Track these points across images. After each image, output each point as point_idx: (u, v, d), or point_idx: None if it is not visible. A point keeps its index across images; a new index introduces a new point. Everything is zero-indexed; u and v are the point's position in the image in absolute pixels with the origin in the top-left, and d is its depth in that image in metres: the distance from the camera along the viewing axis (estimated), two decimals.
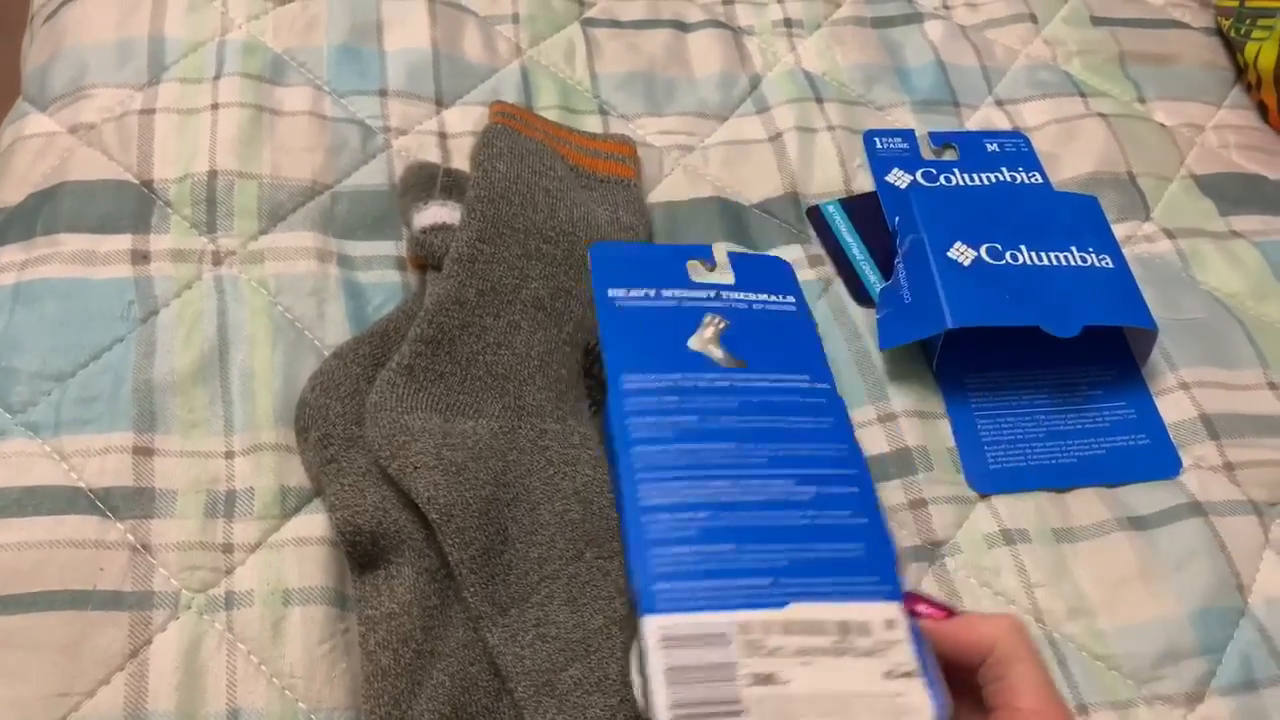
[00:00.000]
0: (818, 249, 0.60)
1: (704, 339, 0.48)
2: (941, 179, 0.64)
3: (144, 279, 0.53)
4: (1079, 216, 0.58)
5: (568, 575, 0.45)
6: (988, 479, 0.52)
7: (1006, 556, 0.50)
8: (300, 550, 0.47)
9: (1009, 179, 0.64)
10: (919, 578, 0.49)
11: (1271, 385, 0.57)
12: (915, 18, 0.73)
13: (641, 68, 0.67)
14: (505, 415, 0.49)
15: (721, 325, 0.49)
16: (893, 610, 0.40)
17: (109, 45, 0.62)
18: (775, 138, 0.65)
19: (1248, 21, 0.72)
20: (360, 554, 0.45)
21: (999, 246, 0.56)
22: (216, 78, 0.61)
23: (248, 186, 0.57)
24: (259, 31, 0.64)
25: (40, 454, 0.48)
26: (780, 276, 0.53)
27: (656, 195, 0.62)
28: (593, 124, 0.64)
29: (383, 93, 0.63)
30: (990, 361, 0.56)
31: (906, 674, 0.39)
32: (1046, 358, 0.56)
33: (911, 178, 0.63)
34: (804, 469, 0.44)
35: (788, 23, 0.72)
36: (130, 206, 0.56)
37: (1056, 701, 0.37)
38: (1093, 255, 0.56)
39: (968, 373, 0.56)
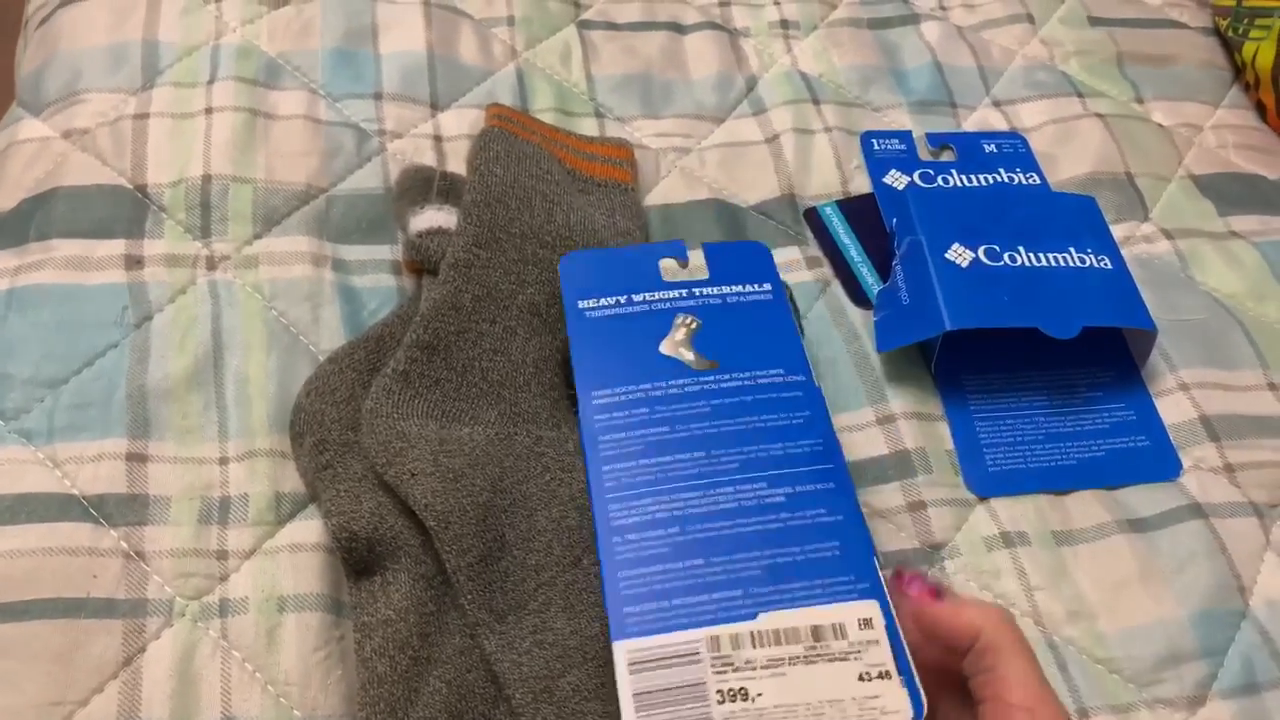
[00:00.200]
0: (815, 251, 0.60)
1: (675, 341, 0.47)
2: (939, 180, 0.63)
3: (138, 284, 0.53)
4: (1077, 217, 0.58)
5: (565, 582, 0.45)
6: (987, 481, 0.52)
7: (1006, 559, 0.50)
8: (295, 557, 0.46)
9: (1007, 180, 0.64)
10: None
11: (1271, 386, 0.56)
12: (912, 19, 0.73)
13: (638, 70, 0.67)
14: (501, 421, 0.49)
15: (693, 325, 0.48)
16: (870, 608, 0.40)
17: (103, 50, 0.62)
18: (772, 139, 0.65)
19: (1245, 21, 0.72)
20: (356, 560, 0.45)
21: (997, 248, 0.55)
22: (211, 82, 0.61)
23: (242, 191, 0.57)
24: (253, 35, 0.64)
25: (33, 461, 0.47)
26: (757, 262, 0.52)
27: (653, 197, 0.61)
28: (589, 126, 0.64)
29: (378, 96, 0.62)
30: (989, 363, 0.56)
31: (883, 675, 0.38)
32: (1045, 359, 0.56)
33: (909, 179, 0.63)
34: (777, 469, 0.44)
35: (784, 24, 0.72)
36: (124, 211, 0.55)
37: (1048, 696, 0.36)
38: (1091, 256, 0.56)
39: (966, 374, 0.56)
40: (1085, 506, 0.51)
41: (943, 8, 0.75)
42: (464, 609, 0.44)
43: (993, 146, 0.65)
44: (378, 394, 0.48)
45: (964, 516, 0.51)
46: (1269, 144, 0.69)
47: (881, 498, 0.51)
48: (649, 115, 0.65)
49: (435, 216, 0.54)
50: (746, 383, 0.46)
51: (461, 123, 0.62)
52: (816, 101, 0.67)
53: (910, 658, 0.39)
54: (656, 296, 0.49)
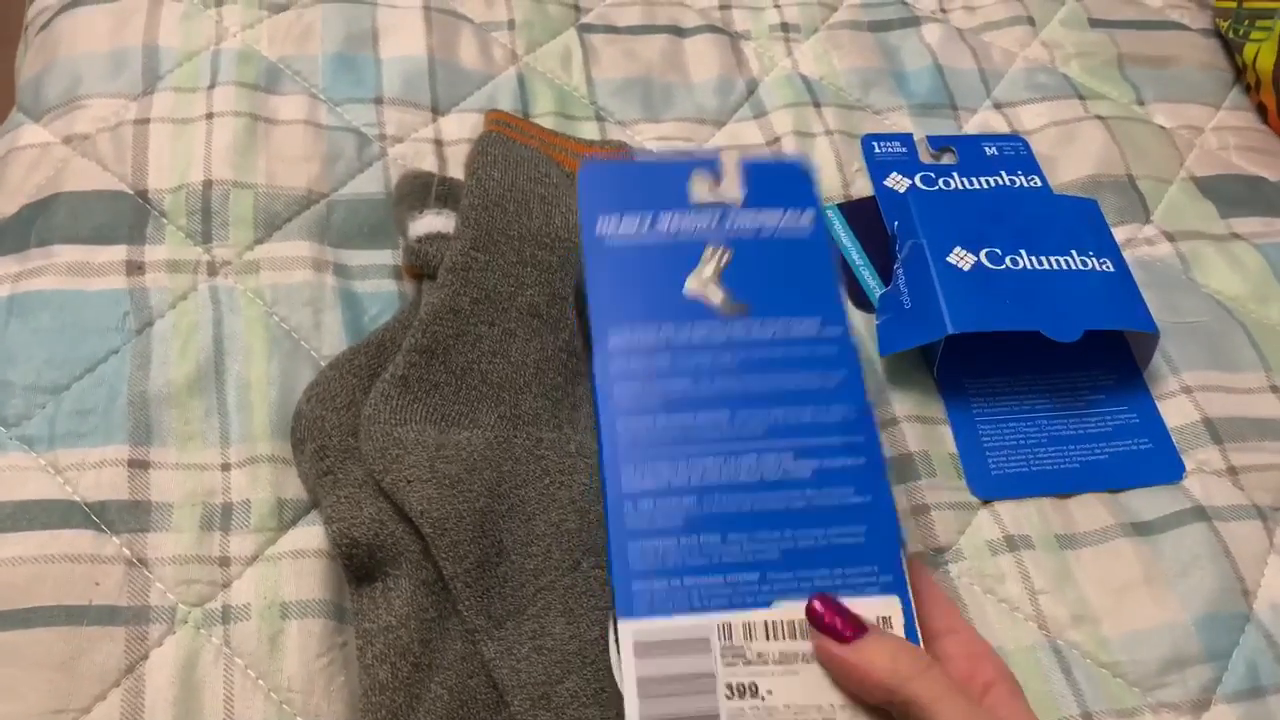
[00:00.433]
0: None
1: (703, 278, 0.42)
2: (940, 183, 0.63)
3: (139, 290, 0.53)
4: (1079, 220, 0.58)
5: (564, 586, 0.45)
6: (990, 485, 0.52)
7: (1010, 563, 0.50)
8: (297, 563, 0.46)
9: (1008, 182, 0.64)
10: None
11: (1274, 388, 0.56)
12: (912, 21, 0.73)
13: (638, 73, 0.67)
14: (501, 424, 0.49)
15: (724, 259, 0.43)
16: (890, 605, 0.38)
17: (103, 55, 0.62)
18: (773, 142, 0.65)
19: (1246, 22, 0.72)
20: (357, 566, 0.45)
21: (999, 251, 0.55)
22: (211, 87, 0.61)
23: (243, 196, 0.57)
24: (254, 40, 0.64)
25: (35, 468, 0.47)
26: (797, 186, 0.46)
27: None
28: (590, 130, 0.64)
29: (378, 101, 0.62)
30: (991, 366, 0.56)
31: None
32: (1048, 362, 0.56)
33: (910, 182, 0.63)
34: (805, 439, 0.40)
35: (784, 27, 0.72)
36: (125, 217, 0.55)
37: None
38: (1093, 259, 0.56)
39: (969, 378, 0.55)
40: (1088, 509, 0.51)
41: (943, 10, 0.75)
42: (462, 615, 0.44)
43: (994, 149, 0.65)
44: (376, 400, 0.48)
45: (967, 520, 0.51)
46: (1270, 145, 0.69)
47: None
48: (650, 119, 0.65)
49: (434, 221, 0.54)
50: (779, 334, 0.42)
51: (462, 127, 0.62)
52: (817, 104, 0.67)
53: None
54: (685, 222, 0.44)
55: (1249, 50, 0.70)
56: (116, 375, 0.50)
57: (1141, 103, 0.70)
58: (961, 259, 0.55)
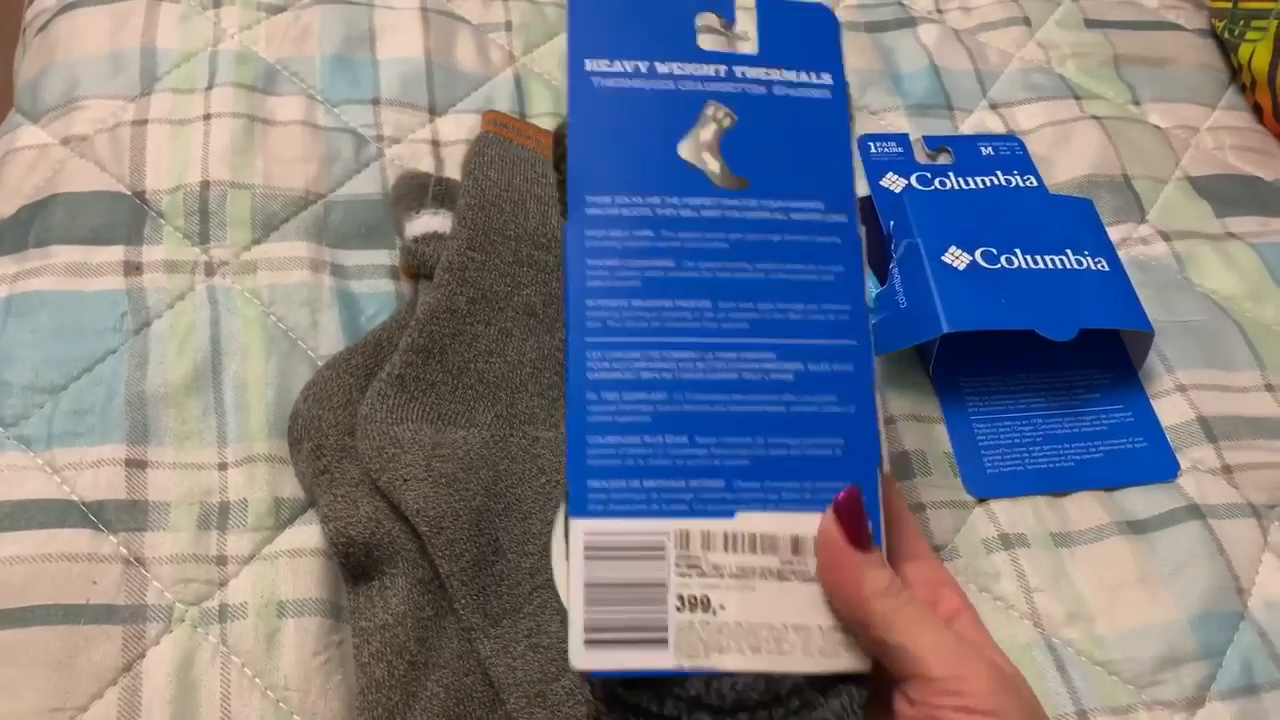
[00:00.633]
0: None
1: (700, 142, 0.37)
2: (936, 183, 0.63)
3: (136, 290, 0.53)
4: (1074, 219, 0.58)
5: None
6: (985, 483, 0.52)
7: (1005, 561, 0.50)
8: (294, 562, 0.46)
9: (1004, 182, 0.64)
10: None
11: (1269, 387, 0.56)
12: (908, 22, 0.73)
13: None
14: (497, 423, 0.49)
15: (726, 122, 0.38)
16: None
17: (101, 56, 0.62)
18: None
19: (1241, 23, 0.72)
20: (354, 565, 0.45)
21: (994, 250, 0.56)
22: (209, 88, 0.61)
23: (240, 197, 0.57)
24: (251, 41, 0.64)
25: (33, 467, 0.47)
26: (820, 39, 0.41)
27: None
28: None
29: (375, 101, 0.63)
30: (987, 365, 0.56)
31: None
32: (1043, 361, 0.56)
33: (906, 182, 0.63)
34: (791, 338, 0.36)
35: None
36: (123, 218, 0.55)
37: (972, 660, 0.32)
38: (1088, 258, 0.56)
39: (964, 377, 0.56)
40: (1084, 508, 0.51)
41: (939, 11, 0.75)
42: (459, 614, 0.44)
43: (990, 149, 0.65)
44: (372, 399, 0.48)
45: (963, 518, 0.51)
46: (1266, 145, 0.69)
47: None
48: None
49: (430, 221, 0.54)
50: (777, 216, 0.37)
51: (459, 128, 0.62)
52: None
53: None
54: (687, 70, 0.39)
55: (1244, 50, 0.71)
56: (114, 375, 0.50)
57: (1137, 103, 0.70)
58: (957, 258, 0.55)
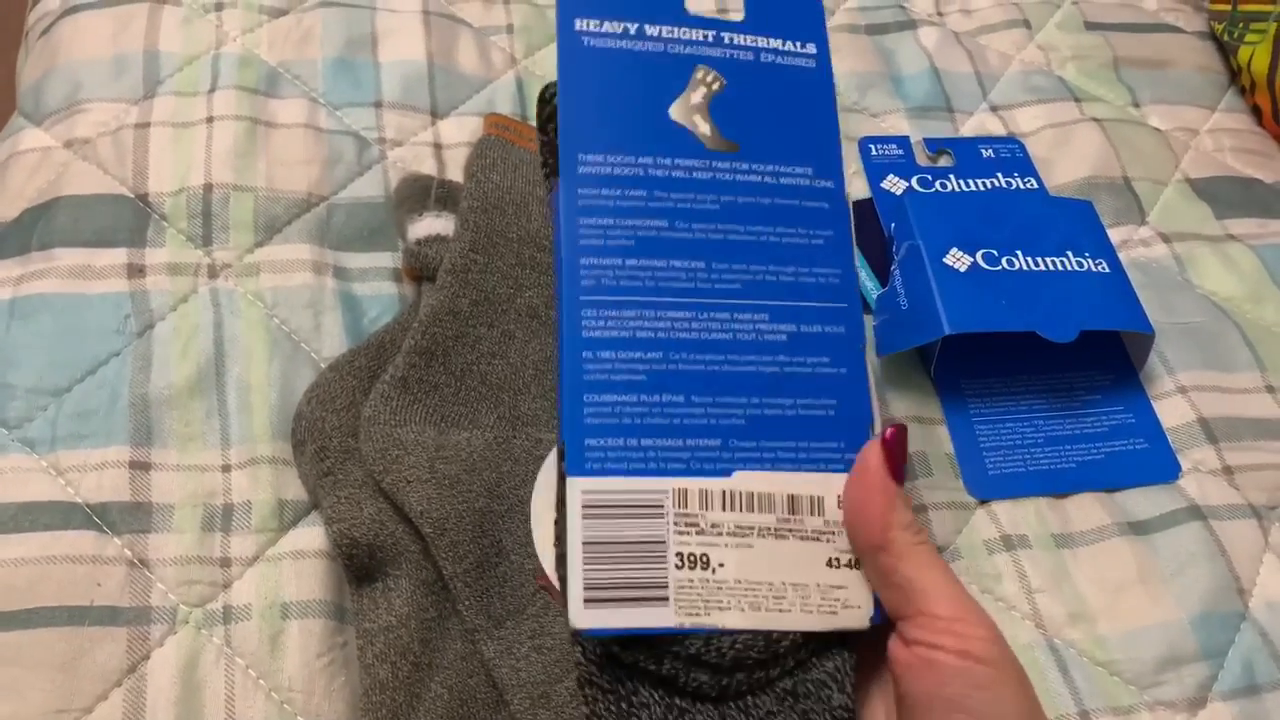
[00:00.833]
0: None
1: (690, 105, 0.38)
2: (937, 185, 0.64)
3: (140, 293, 0.53)
4: (1074, 221, 0.58)
5: None
6: (987, 485, 0.52)
7: (1007, 562, 0.50)
8: (298, 563, 0.46)
9: (1004, 184, 0.64)
10: None
11: (1269, 388, 0.57)
12: (909, 24, 0.73)
13: None
14: (500, 425, 0.49)
15: (715, 86, 0.38)
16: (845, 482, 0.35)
17: (104, 60, 0.62)
18: None
19: (1241, 25, 0.72)
20: (357, 567, 0.45)
21: (995, 252, 0.56)
22: (211, 91, 0.61)
23: (243, 199, 0.57)
24: (254, 45, 0.64)
25: (37, 469, 0.47)
26: (804, 14, 0.41)
27: None
28: None
29: (378, 104, 0.63)
30: (988, 367, 0.56)
31: (852, 564, 0.35)
32: (1044, 363, 0.56)
33: (907, 184, 0.63)
34: (783, 299, 0.36)
35: None
36: (126, 220, 0.56)
37: (975, 608, 0.32)
38: (1089, 260, 0.56)
39: (965, 378, 0.56)
40: (1085, 509, 0.52)
41: (940, 13, 0.75)
42: (462, 615, 0.44)
43: (990, 151, 0.66)
44: (375, 401, 0.48)
45: (964, 520, 0.51)
46: (1265, 147, 0.69)
47: None
48: None
49: (433, 224, 0.55)
50: (767, 180, 0.38)
51: (461, 130, 0.63)
52: None
53: None
54: (677, 34, 0.39)
55: (1244, 53, 0.71)
56: (118, 377, 0.50)
57: (1137, 105, 0.70)
58: (958, 260, 0.55)
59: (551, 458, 0.36)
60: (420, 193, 0.56)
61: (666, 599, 0.33)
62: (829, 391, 0.36)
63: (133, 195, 0.57)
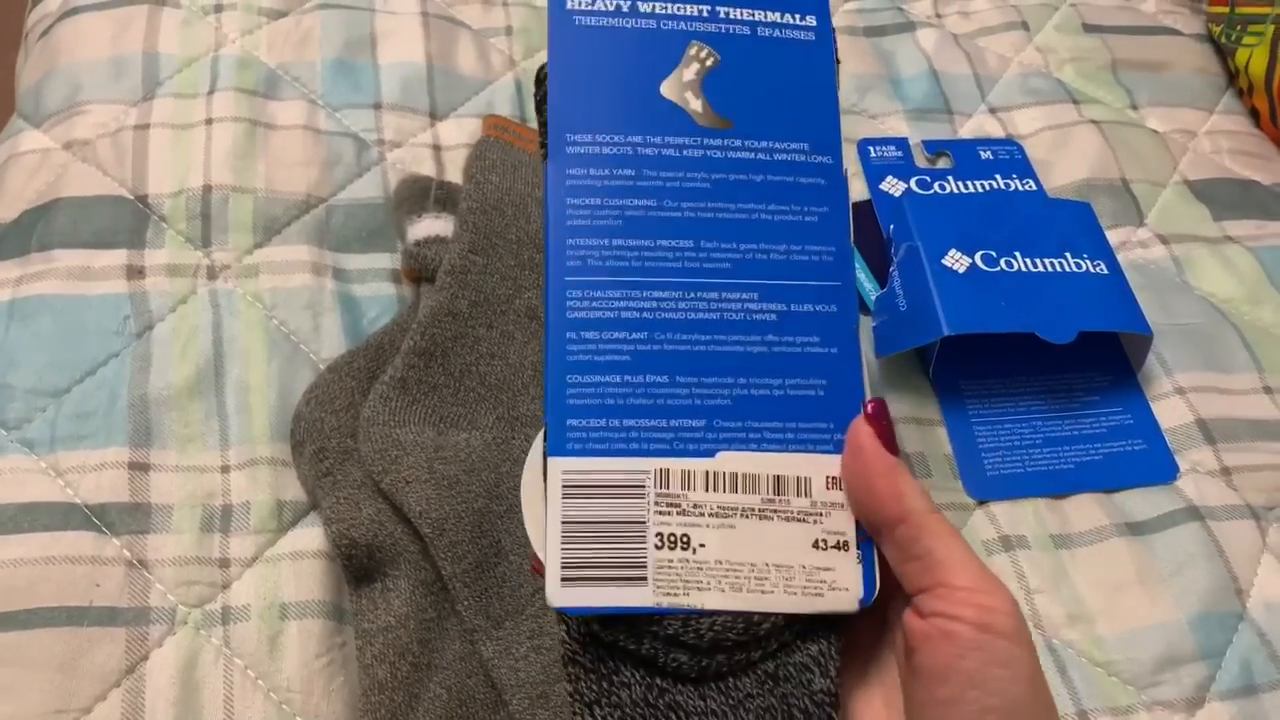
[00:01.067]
0: None
1: (682, 81, 0.37)
2: (936, 187, 0.64)
3: (139, 294, 0.53)
4: (1073, 223, 0.58)
5: None
6: (985, 486, 0.52)
7: (1006, 563, 0.50)
8: (297, 564, 0.46)
9: (1003, 186, 0.64)
10: None
11: (1267, 390, 0.57)
12: (908, 26, 0.73)
13: None
14: (499, 426, 0.49)
15: (709, 62, 0.38)
16: (841, 466, 0.35)
17: (103, 61, 0.62)
18: None
19: (1238, 28, 0.73)
20: (356, 567, 0.45)
21: (994, 253, 0.56)
22: (211, 93, 0.61)
23: (242, 201, 0.57)
24: (253, 46, 0.64)
25: (36, 470, 0.47)
26: None
27: None
28: None
29: (377, 106, 0.63)
30: (986, 368, 0.56)
31: (840, 545, 0.34)
32: (1042, 364, 0.56)
33: (906, 186, 0.63)
34: (774, 278, 0.36)
35: None
36: (125, 222, 0.56)
37: (996, 582, 0.32)
38: (1087, 261, 0.56)
39: (964, 380, 0.56)
40: (1083, 510, 0.52)
41: (938, 15, 0.75)
42: (461, 615, 0.44)
43: (989, 153, 0.66)
44: (375, 402, 0.49)
45: (963, 520, 0.51)
46: (1263, 149, 0.69)
47: None
48: None
49: (433, 225, 0.55)
50: (760, 156, 0.37)
51: (460, 132, 0.63)
52: None
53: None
54: (670, 10, 0.38)
55: (1241, 55, 0.71)
56: (117, 378, 0.50)
57: (1135, 107, 0.70)
58: (957, 261, 0.55)
59: (539, 438, 0.36)
60: (419, 194, 0.56)
61: (645, 579, 0.33)
62: (818, 371, 0.35)
63: (132, 197, 0.57)
